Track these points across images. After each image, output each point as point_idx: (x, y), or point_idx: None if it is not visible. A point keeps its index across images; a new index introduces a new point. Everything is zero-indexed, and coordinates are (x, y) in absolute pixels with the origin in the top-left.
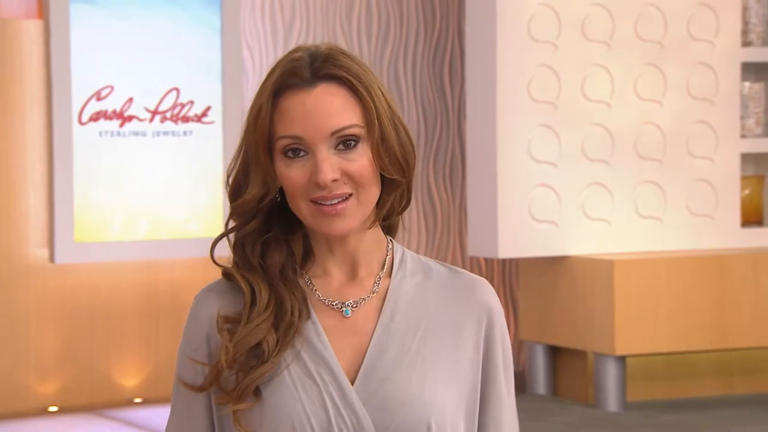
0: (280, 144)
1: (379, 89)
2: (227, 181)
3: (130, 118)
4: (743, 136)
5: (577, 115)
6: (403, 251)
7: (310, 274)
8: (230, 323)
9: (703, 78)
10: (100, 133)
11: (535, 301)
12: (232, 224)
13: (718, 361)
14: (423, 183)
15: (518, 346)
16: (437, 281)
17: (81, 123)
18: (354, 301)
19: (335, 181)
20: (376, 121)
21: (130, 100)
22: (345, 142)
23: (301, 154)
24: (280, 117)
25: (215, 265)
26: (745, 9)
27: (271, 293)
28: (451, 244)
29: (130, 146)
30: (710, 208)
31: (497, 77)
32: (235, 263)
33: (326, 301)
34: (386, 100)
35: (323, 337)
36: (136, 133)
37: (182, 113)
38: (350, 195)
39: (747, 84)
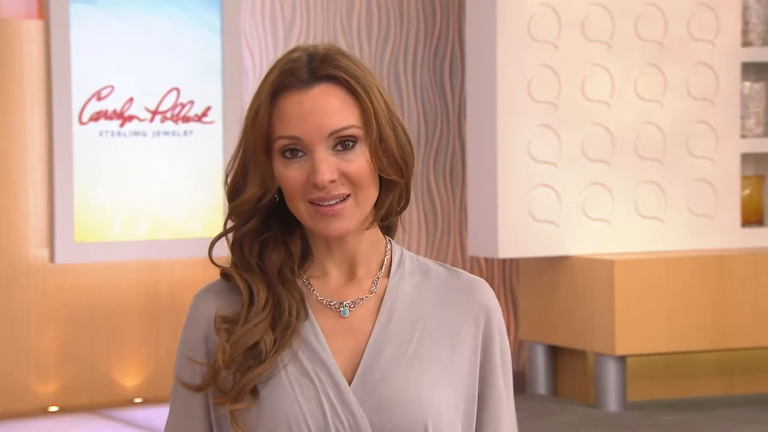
0: (278, 144)
1: (378, 90)
2: (226, 180)
3: (131, 118)
4: (743, 136)
5: (578, 115)
6: (402, 251)
7: (309, 275)
8: (228, 323)
9: (703, 78)
10: (101, 133)
11: (535, 301)
12: (230, 224)
13: (718, 361)
14: (423, 183)
15: (518, 346)
16: (435, 282)
17: (81, 123)
18: (352, 302)
19: (333, 181)
20: (374, 122)
21: (131, 100)
22: (343, 142)
23: (299, 154)
24: (279, 117)
25: (215, 266)
26: (745, 9)
27: (268, 293)
28: (451, 244)
29: (131, 146)
30: (710, 208)
31: (497, 77)
32: (234, 263)
33: (324, 301)
34: (384, 101)
35: (321, 337)
36: (136, 133)
37: (182, 113)
38: (348, 196)
39: (747, 84)
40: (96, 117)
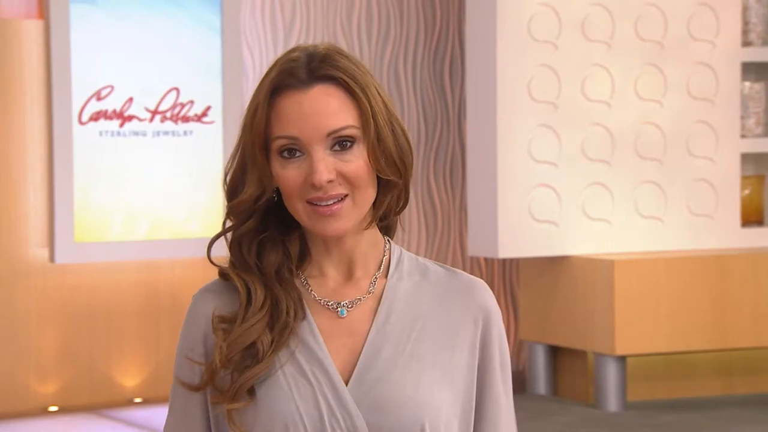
0: (276, 144)
1: (376, 90)
2: (224, 180)
3: (130, 117)
4: (743, 136)
5: (578, 115)
6: (401, 252)
7: (307, 275)
8: (226, 323)
9: (703, 78)
10: (100, 133)
11: (535, 301)
12: (228, 224)
13: (718, 361)
14: (423, 183)
15: (518, 346)
16: (434, 282)
17: (81, 123)
18: (349, 302)
19: (330, 182)
20: (372, 122)
21: (130, 99)
22: (341, 143)
23: (297, 154)
24: (277, 117)
25: (214, 265)
26: (746, 9)
27: (266, 293)
28: (451, 244)
29: (131, 146)
30: (710, 208)
31: (497, 77)
32: (232, 263)
33: (322, 301)
34: (383, 102)
35: (318, 337)
36: (136, 133)
37: (182, 113)
38: (346, 196)
39: (747, 84)
40: (96, 117)
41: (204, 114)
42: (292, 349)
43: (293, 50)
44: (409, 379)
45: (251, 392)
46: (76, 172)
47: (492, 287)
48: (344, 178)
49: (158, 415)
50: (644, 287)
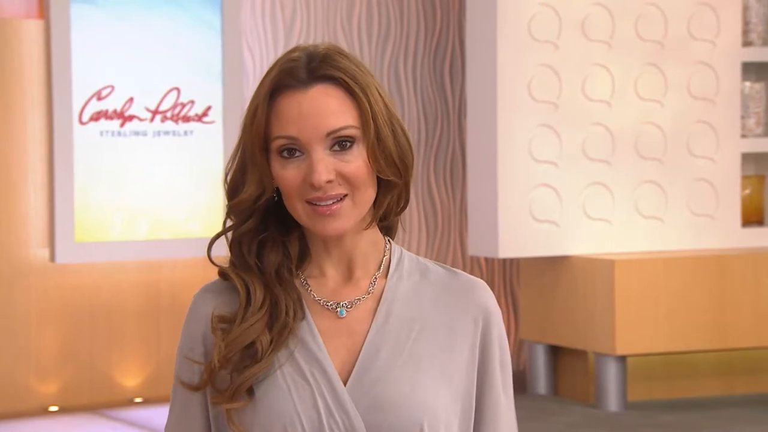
0: (276, 144)
1: (377, 90)
2: (225, 179)
3: (131, 117)
4: (744, 136)
5: (578, 114)
6: (401, 252)
7: (306, 275)
8: (225, 323)
9: (703, 78)
10: (101, 133)
11: (535, 301)
12: (229, 223)
13: (718, 361)
14: (423, 183)
15: (519, 346)
16: (434, 282)
17: (81, 123)
18: (349, 302)
19: (330, 182)
20: (372, 123)
21: (131, 99)
22: (340, 143)
23: (297, 154)
24: (277, 117)
25: (214, 265)
26: (746, 8)
27: (266, 293)
28: (451, 244)
29: (131, 146)
30: (711, 208)
31: (498, 77)
32: (232, 263)
33: (321, 301)
34: (383, 102)
35: (317, 337)
36: (136, 133)
37: (183, 113)
38: (345, 196)
39: (747, 84)
40: (96, 117)
41: (204, 114)
42: (291, 350)
43: (294, 50)
44: (408, 380)
45: (250, 392)
46: (76, 172)
47: (492, 287)
48: (344, 178)
49: (159, 415)
50: (645, 287)
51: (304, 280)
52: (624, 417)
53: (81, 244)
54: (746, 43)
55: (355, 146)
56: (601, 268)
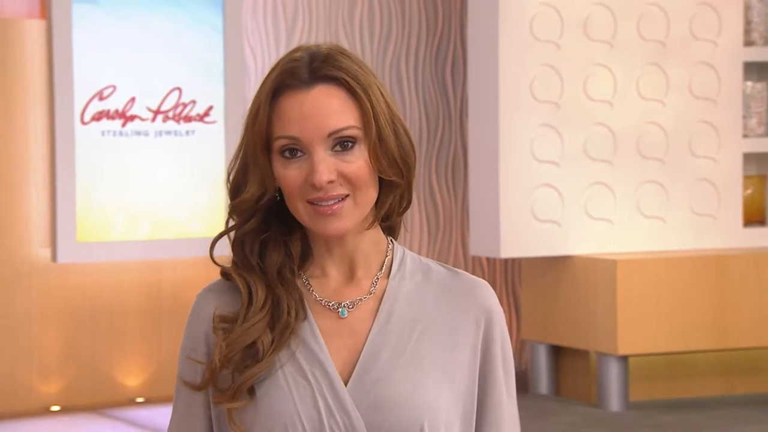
0: (278, 144)
1: (379, 90)
2: (227, 179)
3: (133, 117)
4: (745, 136)
5: (580, 114)
6: (404, 252)
7: (308, 275)
8: (227, 322)
9: (705, 77)
10: (103, 133)
11: (537, 300)
12: (231, 223)
13: (719, 361)
14: (425, 183)
15: (521, 346)
16: (436, 282)
17: (83, 123)
18: (350, 302)
19: (331, 182)
20: (374, 123)
21: (133, 99)
22: (342, 143)
23: (299, 154)
24: (278, 117)
25: (216, 264)
26: (747, 8)
27: (268, 293)
28: (453, 243)
29: (133, 146)
30: (712, 208)
31: (499, 77)
32: (234, 263)
33: (323, 301)
34: (385, 102)
35: (319, 338)
36: (138, 133)
37: (184, 113)
38: (347, 196)
39: (749, 83)
40: (98, 117)
41: (206, 114)
42: (292, 350)
43: (296, 50)
44: (409, 380)
45: (251, 392)
46: (78, 172)
47: (494, 287)
48: (345, 178)
49: (160, 414)
50: (646, 287)
51: (306, 280)
52: (626, 417)
53: (82, 244)
54: (748, 43)
55: (356, 146)
56: (603, 268)
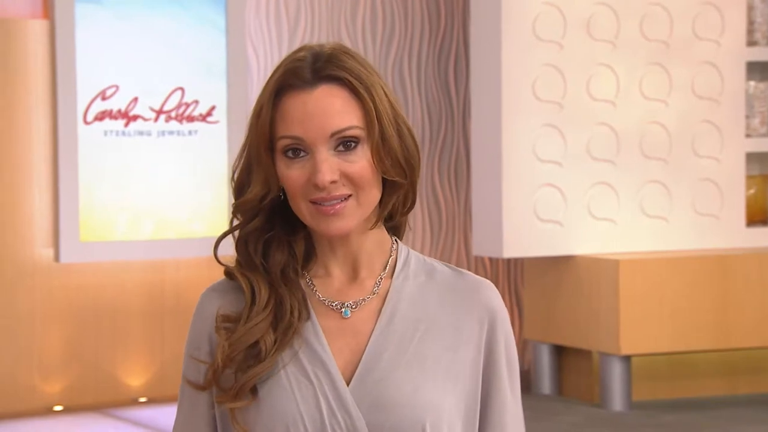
0: (281, 144)
1: (383, 90)
2: (232, 178)
3: (135, 117)
4: (748, 136)
5: (583, 114)
6: (408, 252)
7: (312, 275)
8: (230, 322)
9: (708, 77)
10: (105, 133)
11: (540, 300)
12: (235, 222)
13: (722, 361)
14: (428, 183)
15: (523, 346)
16: (440, 282)
17: (86, 122)
18: (353, 302)
19: (334, 182)
20: (377, 123)
21: (135, 99)
22: (345, 143)
23: (302, 154)
24: (281, 117)
25: (220, 265)
26: (751, 8)
27: (271, 293)
28: (455, 243)
29: (135, 146)
30: (715, 208)
31: (502, 77)
32: (238, 262)
33: (326, 301)
34: (389, 102)
35: (322, 338)
36: (141, 133)
37: (187, 113)
38: (349, 196)
39: (752, 83)
40: (101, 117)
41: (209, 114)
42: (295, 350)
43: (300, 50)
44: (411, 380)
45: (254, 392)
46: (81, 172)
47: (496, 287)
48: (348, 178)
49: (163, 414)
50: (649, 287)
51: (310, 280)
52: (628, 417)
53: (85, 244)
54: (751, 43)
55: (359, 147)
56: (606, 268)
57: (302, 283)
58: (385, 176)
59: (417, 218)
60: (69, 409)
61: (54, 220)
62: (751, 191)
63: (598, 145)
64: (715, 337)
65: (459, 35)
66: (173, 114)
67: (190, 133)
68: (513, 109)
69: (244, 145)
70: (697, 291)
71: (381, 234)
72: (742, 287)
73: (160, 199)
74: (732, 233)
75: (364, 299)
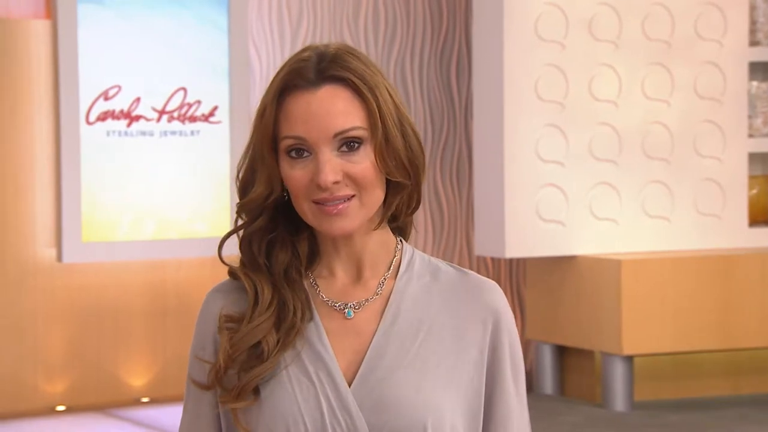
0: (284, 144)
1: (387, 91)
2: (237, 177)
3: (138, 117)
4: (751, 136)
5: (585, 114)
6: (413, 253)
7: (315, 275)
8: (233, 322)
9: (710, 77)
10: (108, 133)
11: (542, 300)
12: (239, 222)
13: (724, 361)
14: (430, 183)
15: (525, 346)
16: (444, 283)
17: (88, 123)
18: (357, 303)
19: (337, 183)
20: (380, 124)
21: (138, 99)
22: (348, 144)
23: (305, 154)
24: (285, 117)
25: (222, 265)
26: (753, 8)
27: (274, 293)
28: (457, 243)
29: (138, 146)
30: (718, 208)
31: (504, 77)
32: (242, 262)
33: (329, 302)
34: (393, 103)
35: (324, 338)
36: (143, 133)
37: (189, 113)
38: (352, 196)
39: (754, 83)
40: (103, 117)
41: (211, 114)
42: (298, 350)
43: (304, 50)
44: (413, 380)
45: (256, 392)
46: (83, 172)
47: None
48: (351, 179)
49: (165, 414)
50: (651, 287)
51: (313, 280)
52: (631, 417)
53: (88, 244)
54: (753, 43)
55: (362, 147)
56: (608, 268)
57: (306, 283)
58: (388, 177)
59: (419, 218)
60: (71, 409)
61: (56, 220)
62: (754, 191)
63: (600, 145)
64: (718, 338)
65: (461, 35)
66: (176, 114)
67: (192, 133)
68: (515, 109)
69: (249, 145)
70: (699, 291)
71: (385, 234)
72: (745, 287)
73: (162, 199)
74: (734, 233)
75: (367, 300)
